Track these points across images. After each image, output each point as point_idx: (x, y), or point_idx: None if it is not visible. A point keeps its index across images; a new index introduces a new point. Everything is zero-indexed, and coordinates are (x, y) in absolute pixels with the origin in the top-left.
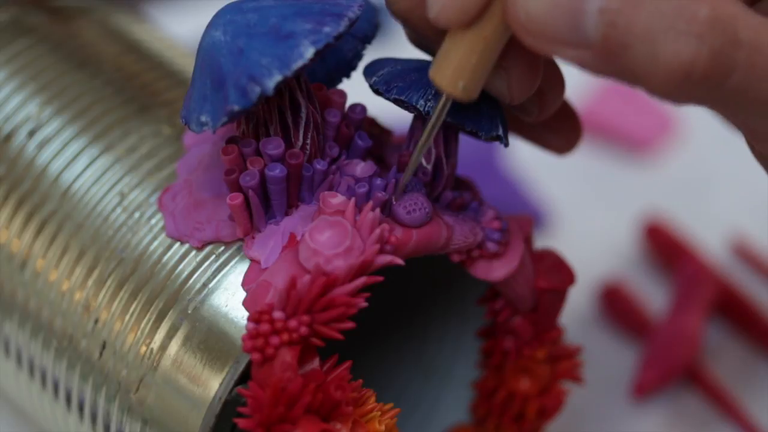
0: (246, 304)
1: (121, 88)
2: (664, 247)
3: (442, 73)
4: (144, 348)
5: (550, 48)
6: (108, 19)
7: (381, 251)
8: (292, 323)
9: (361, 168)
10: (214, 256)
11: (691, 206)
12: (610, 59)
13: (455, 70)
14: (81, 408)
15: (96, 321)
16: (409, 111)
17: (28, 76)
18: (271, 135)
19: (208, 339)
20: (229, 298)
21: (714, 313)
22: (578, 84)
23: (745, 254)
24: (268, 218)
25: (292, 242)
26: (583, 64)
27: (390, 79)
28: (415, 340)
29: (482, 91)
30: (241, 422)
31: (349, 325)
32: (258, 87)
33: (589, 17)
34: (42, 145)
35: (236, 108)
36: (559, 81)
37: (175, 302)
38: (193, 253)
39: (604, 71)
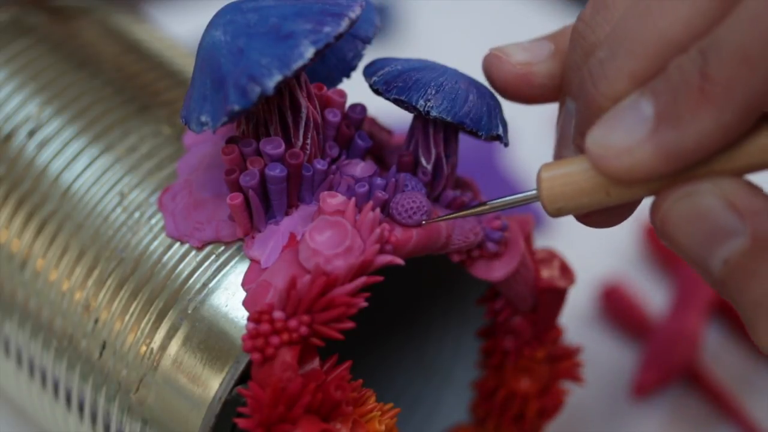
0: (246, 304)
1: (121, 88)
2: (664, 247)
3: (552, 181)
4: (144, 348)
5: (679, 254)
6: (108, 19)
7: (381, 251)
8: (292, 323)
9: (361, 168)
10: (214, 256)
11: None
12: (725, 295)
13: (565, 194)
14: (81, 408)
15: (96, 321)
16: (409, 111)
17: (28, 76)
18: (271, 135)
19: (208, 339)
20: (229, 298)
21: (714, 313)
22: None
23: None
24: (268, 218)
25: (292, 242)
26: (708, 282)
27: (390, 79)
28: (415, 340)
29: (483, 90)
30: (241, 422)
31: (349, 325)
32: (258, 87)
33: (716, 259)
34: (42, 145)
35: (236, 108)
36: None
37: (175, 302)
38: (193, 253)
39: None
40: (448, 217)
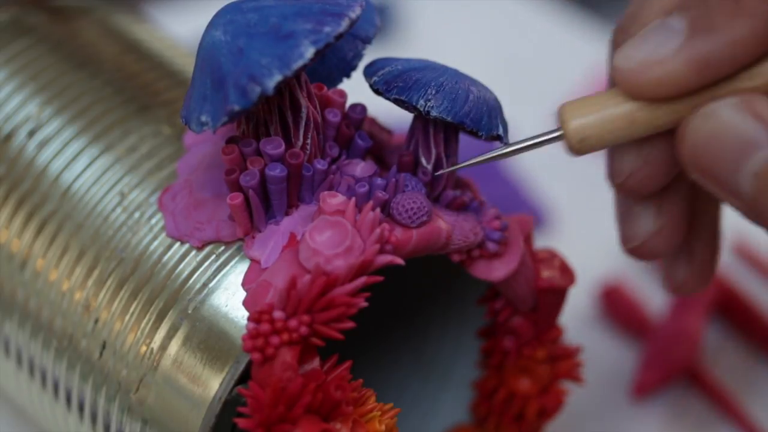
0: (246, 303)
1: (121, 88)
2: None
3: (574, 110)
4: (144, 348)
5: (709, 186)
6: (108, 19)
7: (381, 251)
8: (292, 323)
9: (361, 168)
10: (214, 256)
11: None
12: (757, 217)
13: (589, 123)
14: (81, 408)
15: (96, 321)
16: (409, 111)
17: (28, 76)
18: (271, 135)
19: (208, 339)
20: (229, 298)
21: (714, 313)
22: (573, 80)
23: (745, 254)
24: (268, 218)
25: (292, 242)
26: (738, 210)
27: (390, 79)
28: (414, 339)
29: (483, 91)
30: (241, 422)
31: (349, 324)
32: (258, 87)
33: (745, 175)
34: (42, 145)
35: (236, 108)
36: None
37: (175, 302)
38: (193, 253)
39: (754, 222)
40: (465, 164)
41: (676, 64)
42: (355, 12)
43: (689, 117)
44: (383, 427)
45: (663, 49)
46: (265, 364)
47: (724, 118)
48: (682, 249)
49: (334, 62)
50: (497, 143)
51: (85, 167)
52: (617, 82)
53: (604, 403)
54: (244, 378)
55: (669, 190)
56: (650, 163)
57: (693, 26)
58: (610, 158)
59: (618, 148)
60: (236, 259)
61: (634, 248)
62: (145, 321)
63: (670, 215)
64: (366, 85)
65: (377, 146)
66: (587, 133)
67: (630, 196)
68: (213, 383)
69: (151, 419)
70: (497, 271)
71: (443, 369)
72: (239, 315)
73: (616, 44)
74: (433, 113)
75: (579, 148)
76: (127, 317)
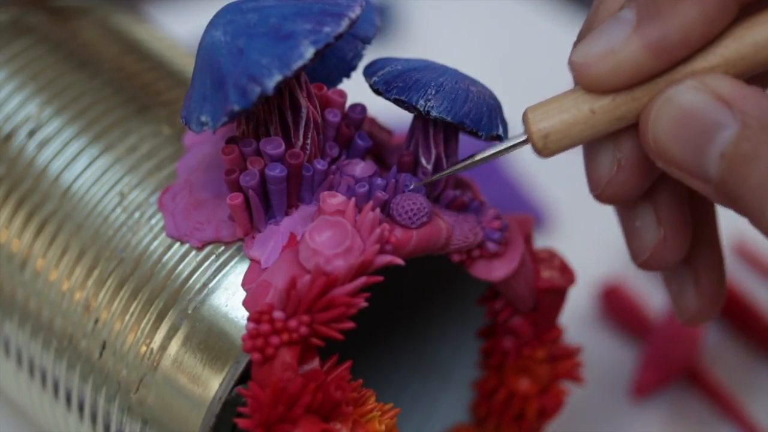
0: (246, 304)
1: (121, 88)
2: None
3: (536, 112)
4: (144, 348)
5: (676, 173)
6: (108, 19)
7: (381, 251)
8: (292, 323)
9: (361, 168)
10: (214, 256)
11: None
12: (728, 199)
13: (551, 121)
14: (81, 408)
15: (96, 321)
16: (409, 111)
17: (28, 76)
18: (271, 135)
19: (208, 339)
20: (229, 298)
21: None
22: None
23: (745, 255)
24: (268, 218)
25: (292, 242)
26: (706, 195)
27: (390, 79)
28: (414, 339)
29: (483, 91)
30: (241, 422)
31: (349, 325)
32: (258, 87)
33: (711, 158)
34: (42, 145)
35: (236, 108)
36: (717, 262)
37: (175, 302)
38: (193, 253)
39: (722, 205)
40: (440, 175)
41: (628, 50)
42: (355, 12)
43: (649, 104)
44: (383, 427)
45: (614, 40)
46: (265, 364)
47: (684, 102)
48: (687, 275)
49: (334, 62)
50: (496, 143)
51: (85, 167)
52: (575, 79)
53: (604, 403)
54: (244, 378)
55: (662, 197)
56: (624, 167)
57: (641, 14)
58: (587, 169)
59: (592, 157)
60: (236, 259)
61: (645, 261)
62: (145, 321)
63: (671, 222)
64: (366, 85)
65: (377, 146)
66: (550, 134)
67: (613, 203)
68: (213, 383)
69: (151, 419)
70: (497, 271)
71: (443, 369)
72: (239, 315)
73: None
74: (433, 113)
75: (544, 149)
76: (127, 317)
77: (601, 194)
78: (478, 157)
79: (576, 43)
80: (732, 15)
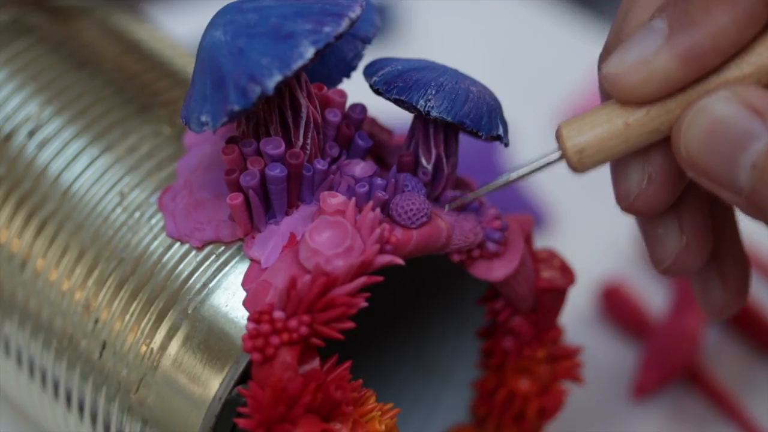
0: (246, 304)
1: (121, 88)
2: None
3: (571, 128)
4: (144, 348)
5: (707, 184)
6: (108, 19)
7: (381, 251)
8: (293, 323)
9: (361, 168)
10: (214, 256)
11: None
12: (758, 211)
13: (585, 136)
14: (81, 408)
15: (96, 321)
16: (409, 111)
17: (28, 76)
18: (271, 135)
19: (208, 339)
20: (230, 298)
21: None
22: (573, 80)
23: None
24: (268, 218)
25: (292, 242)
26: (737, 206)
27: (390, 79)
28: (414, 340)
29: (483, 91)
30: (241, 422)
31: (349, 325)
32: (258, 87)
33: (742, 168)
34: (42, 145)
35: (236, 108)
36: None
37: (175, 302)
38: (193, 253)
39: (753, 217)
40: (476, 194)
41: (660, 60)
42: (355, 12)
43: (682, 115)
44: (383, 427)
45: (647, 50)
46: (265, 364)
47: (716, 113)
48: (712, 272)
49: (334, 62)
50: (497, 143)
51: (85, 167)
52: (608, 91)
53: (604, 403)
54: (244, 378)
55: (684, 204)
56: (654, 180)
57: (672, 23)
58: (615, 182)
59: (621, 170)
60: (236, 259)
61: (667, 268)
62: (145, 321)
63: (693, 229)
64: (366, 85)
65: (377, 146)
66: (585, 149)
67: (641, 215)
68: (213, 383)
69: (151, 419)
70: (497, 271)
71: (443, 369)
72: (239, 315)
73: (602, 61)
74: (433, 113)
75: (579, 165)
76: (127, 317)
77: (629, 206)
78: (513, 176)
79: (603, 55)
80: (763, 21)
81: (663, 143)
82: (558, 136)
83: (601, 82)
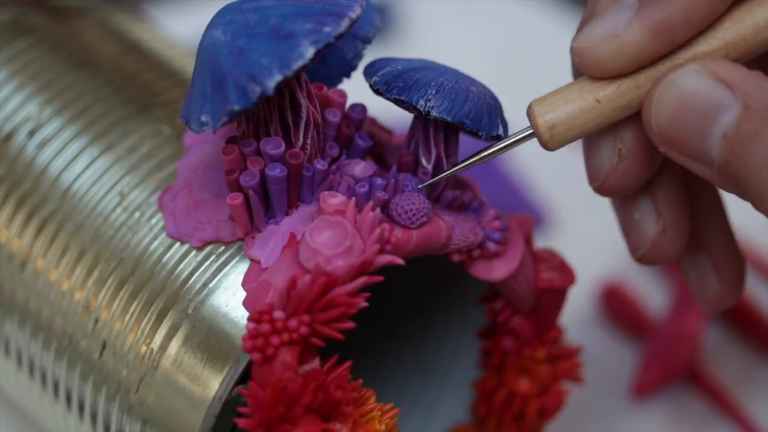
0: (246, 304)
1: (121, 88)
2: None
3: (542, 105)
4: (144, 348)
5: (679, 158)
6: (108, 19)
7: (381, 251)
8: (293, 323)
9: (361, 168)
10: (214, 256)
11: None
12: (730, 182)
13: (556, 112)
14: (81, 408)
15: (96, 321)
16: (409, 111)
17: (28, 76)
18: (271, 135)
19: (208, 339)
20: (230, 298)
21: (714, 313)
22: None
23: (745, 254)
24: (268, 218)
25: (292, 242)
26: (708, 179)
27: (390, 79)
28: (414, 339)
29: (483, 91)
30: (241, 422)
31: (350, 325)
32: (258, 87)
33: (713, 139)
34: (42, 145)
35: (236, 108)
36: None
37: (175, 302)
38: (193, 253)
39: (724, 189)
40: (449, 172)
41: (630, 33)
42: (355, 12)
43: (652, 89)
44: (383, 427)
45: (617, 23)
46: (265, 364)
47: (685, 86)
48: (705, 262)
49: (334, 62)
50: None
51: (85, 167)
52: (577, 65)
53: (604, 403)
54: (244, 378)
55: (660, 188)
56: (625, 157)
57: None
58: (587, 161)
59: (592, 148)
60: (236, 259)
61: (644, 255)
62: (145, 321)
63: (669, 213)
64: (366, 85)
65: (377, 146)
66: (556, 125)
67: (613, 196)
68: (213, 383)
69: (151, 419)
70: (497, 271)
71: (443, 369)
72: (239, 315)
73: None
74: (433, 113)
75: (551, 141)
76: (127, 317)
77: (601, 186)
78: (484, 153)
79: (576, 35)
80: None
81: (633, 119)
82: (529, 113)
83: (572, 58)
